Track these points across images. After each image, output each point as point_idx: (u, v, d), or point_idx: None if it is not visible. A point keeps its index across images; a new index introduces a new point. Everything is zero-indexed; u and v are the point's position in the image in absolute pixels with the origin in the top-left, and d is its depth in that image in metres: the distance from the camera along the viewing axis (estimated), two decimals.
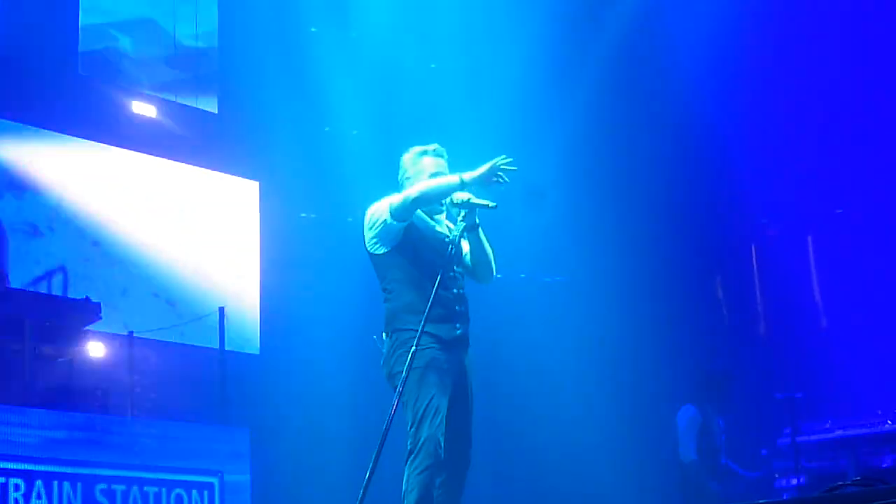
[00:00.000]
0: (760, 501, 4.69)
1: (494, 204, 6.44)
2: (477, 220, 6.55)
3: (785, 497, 9.59)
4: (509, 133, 12.38)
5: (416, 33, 13.13)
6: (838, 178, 12.94)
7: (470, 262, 6.72)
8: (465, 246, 6.70)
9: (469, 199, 6.45)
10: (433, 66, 13.15)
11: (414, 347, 6.23)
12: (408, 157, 6.82)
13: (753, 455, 10.84)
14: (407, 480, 6.27)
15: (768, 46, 12.92)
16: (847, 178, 12.89)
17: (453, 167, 6.87)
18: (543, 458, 12.22)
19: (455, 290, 6.50)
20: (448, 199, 6.54)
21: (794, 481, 9.66)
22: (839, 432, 9.65)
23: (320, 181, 13.07)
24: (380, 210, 6.60)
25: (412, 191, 6.50)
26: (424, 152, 6.77)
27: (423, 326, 6.27)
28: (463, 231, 6.48)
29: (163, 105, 12.67)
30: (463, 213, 6.46)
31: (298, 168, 12.99)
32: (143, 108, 12.52)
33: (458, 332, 6.49)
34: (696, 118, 13.14)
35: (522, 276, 12.66)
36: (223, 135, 12.96)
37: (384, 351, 6.55)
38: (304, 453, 12.19)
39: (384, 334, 6.59)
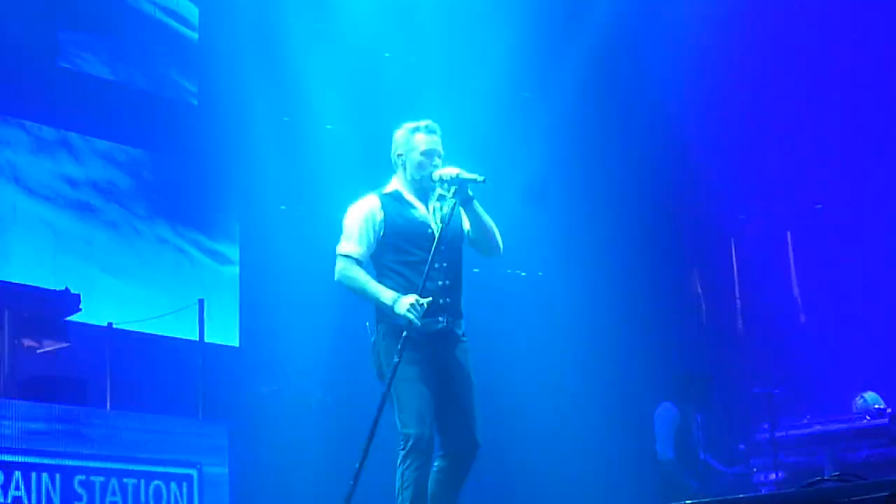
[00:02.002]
0: (739, 496, 4.71)
1: (483, 178, 6.42)
2: (470, 193, 6.50)
3: (763, 492, 9.61)
4: (489, 129, 12.38)
5: (397, 26, 13.11)
6: (817, 173, 12.98)
7: (472, 237, 6.69)
8: (467, 223, 6.67)
9: (458, 175, 6.43)
10: (414, 56, 13.14)
11: (394, 342, 6.29)
12: (400, 134, 6.78)
13: (731, 450, 10.88)
14: (400, 478, 6.31)
15: (747, 44, 12.95)
16: (826, 173, 12.93)
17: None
18: (520, 454, 12.23)
19: (440, 283, 6.45)
20: (437, 177, 6.52)
21: (773, 476, 9.70)
22: (817, 427, 9.69)
23: (301, 173, 13.04)
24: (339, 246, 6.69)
25: (348, 283, 6.60)
26: (417, 128, 6.72)
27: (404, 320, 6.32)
28: (455, 207, 6.46)
29: (142, 96, 12.63)
30: (453, 189, 6.44)
31: (279, 160, 12.96)
32: (121, 99, 12.49)
33: (440, 325, 6.45)
34: (675, 114, 13.16)
35: (508, 271, 12.67)
36: (202, 126, 12.92)
37: (371, 341, 6.56)
38: (282, 446, 12.18)
39: (374, 324, 6.60)
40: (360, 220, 6.64)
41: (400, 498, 6.29)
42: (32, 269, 10.98)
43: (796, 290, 13.42)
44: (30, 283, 9.93)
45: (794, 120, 13.01)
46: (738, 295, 13.59)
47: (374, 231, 6.60)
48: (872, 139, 12.70)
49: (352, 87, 12.95)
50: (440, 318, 6.44)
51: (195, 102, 13.04)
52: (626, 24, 13.11)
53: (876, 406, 9.79)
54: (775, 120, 13.11)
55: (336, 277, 6.62)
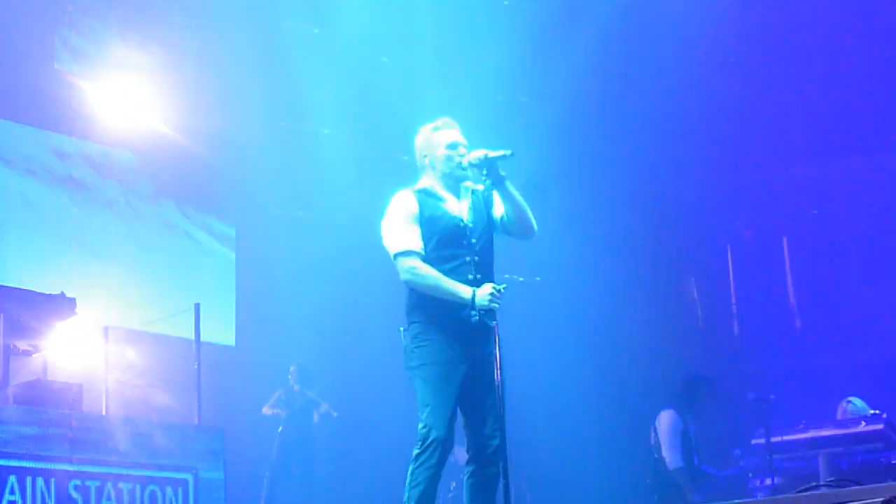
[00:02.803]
0: (734, 501, 4.71)
1: (510, 151, 6.40)
2: (502, 172, 6.46)
3: (758, 497, 9.61)
4: (485, 134, 12.37)
5: (394, 31, 13.12)
6: (813, 179, 13.00)
7: (507, 220, 6.61)
8: (500, 208, 6.60)
9: (486, 155, 6.41)
10: (411, 61, 13.15)
11: (423, 344, 6.33)
12: (420, 137, 6.72)
13: (727, 455, 10.87)
14: (412, 474, 6.27)
15: (744, 51, 12.97)
16: (822, 179, 12.95)
17: None
18: (518, 460, 12.22)
19: (471, 276, 6.40)
20: (467, 163, 6.49)
21: (768, 481, 9.68)
22: (812, 433, 9.67)
23: (297, 178, 13.05)
24: (390, 249, 6.51)
25: (421, 281, 6.41)
26: (436, 128, 6.68)
27: (435, 317, 6.35)
28: (491, 187, 6.44)
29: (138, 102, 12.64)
30: (485, 171, 6.42)
31: (276, 164, 12.97)
32: (119, 105, 12.50)
33: (474, 319, 6.35)
34: (671, 121, 13.17)
35: (506, 276, 12.65)
36: (199, 131, 12.92)
37: (403, 345, 6.50)
38: (279, 449, 12.20)
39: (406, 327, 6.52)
40: (404, 215, 6.53)
41: (407, 495, 6.27)
42: (28, 272, 10.96)
43: (792, 296, 13.44)
44: (26, 287, 9.89)
45: (791, 126, 13.02)
46: (734, 300, 13.62)
47: (417, 225, 6.50)
48: (868, 146, 12.72)
49: (349, 91, 12.97)
50: (473, 312, 6.36)
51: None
52: (622, 31, 13.12)
53: (868, 413, 9.79)
54: (772, 126, 13.12)
55: (405, 277, 6.44)
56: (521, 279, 13.17)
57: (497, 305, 6.29)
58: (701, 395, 10.56)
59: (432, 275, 6.39)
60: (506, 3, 13.36)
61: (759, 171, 13.22)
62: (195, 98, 12.96)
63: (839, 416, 10.04)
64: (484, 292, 6.30)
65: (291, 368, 12.33)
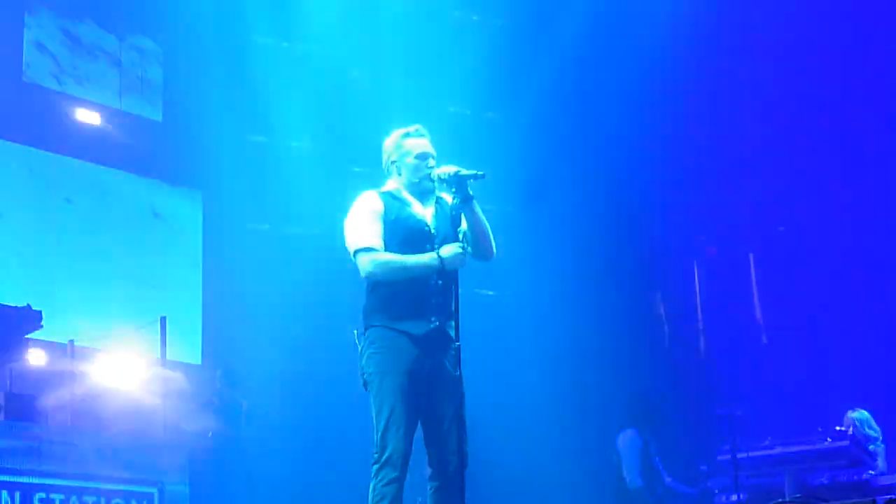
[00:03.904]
0: None
1: (482, 172, 6.33)
2: (470, 192, 6.38)
3: None
4: (452, 150, 12.39)
5: (364, 45, 13.14)
6: (779, 195, 13.07)
7: (469, 240, 6.51)
8: (463, 224, 6.48)
9: (457, 172, 6.35)
10: (381, 75, 13.17)
11: (379, 350, 6.25)
12: (389, 142, 6.64)
13: (693, 471, 10.90)
14: (373, 490, 6.16)
15: (710, 70, 13.04)
16: (788, 195, 13.01)
17: None
18: (479, 477, 12.20)
19: (433, 283, 6.33)
20: (436, 176, 6.45)
21: (734, 498, 9.71)
22: (779, 449, 9.69)
23: (264, 192, 13.03)
24: (350, 246, 6.42)
25: (385, 267, 6.33)
26: (407, 134, 6.60)
27: (395, 322, 6.27)
28: (460, 205, 6.37)
29: (107, 113, 12.60)
30: (454, 188, 6.36)
31: (242, 178, 12.94)
32: (86, 116, 12.46)
33: (433, 325, 6.30)
34: (639, 137, 13.22)
35: (475, 290, 12.67)
36: (167, 143, 12.90)
37: (358, 349, 6.42)
38: (243, 464, 12.15)
39: (362, 331, 6.43)
40: (368, 213, 6.46)
41: None
42: None
43: (758, 312, 13.49)
44: None
45: (757, 143, 13.09)
46: (700, 317, 13.65)
47: (380, 224, 6.43)
48: (833, 162, 12.79)
49: (318, 105, 12.96)
50: (432, 318, 6.30)
51: (160, 119, 13.03)
52: (589, 48, 13.17)
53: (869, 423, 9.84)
54: (738, 143, 13.18)
55: (367, 270, 6.34)
56: (491, 293, 13.16)
57: (460, 264, 6.27)
58: (660, 413, 10.60)
59: (393, 259, 6.33)
60: (475, 18, 13.42)
61: (724, 188, 13.27)
62: (163, 112, 12.96)
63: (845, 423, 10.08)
64: (448, 250, 6.27)
65: (217, 373, 12.24)
